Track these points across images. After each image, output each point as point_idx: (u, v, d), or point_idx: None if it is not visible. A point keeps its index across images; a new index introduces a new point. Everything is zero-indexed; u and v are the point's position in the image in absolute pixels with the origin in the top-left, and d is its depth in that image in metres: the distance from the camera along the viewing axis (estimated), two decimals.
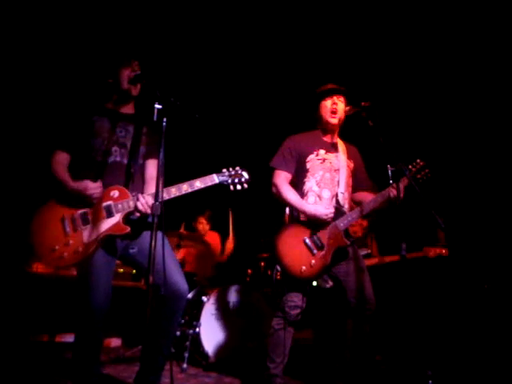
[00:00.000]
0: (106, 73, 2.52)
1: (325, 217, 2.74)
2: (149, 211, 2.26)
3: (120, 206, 2.29)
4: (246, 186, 2.43)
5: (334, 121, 2.91)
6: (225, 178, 2.39)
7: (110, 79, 2.51)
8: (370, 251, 4.14)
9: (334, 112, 2.88)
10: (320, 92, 2.94)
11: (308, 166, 2.89)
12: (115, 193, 2.32)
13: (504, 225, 4.33)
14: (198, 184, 2.35)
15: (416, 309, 3.50)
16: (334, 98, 2.90)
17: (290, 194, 2.84)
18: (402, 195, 2.61)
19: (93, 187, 2.26)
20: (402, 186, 2.63)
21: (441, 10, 4.20)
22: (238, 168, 2.43)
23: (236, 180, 2.41)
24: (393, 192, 2.68)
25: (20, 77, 4.40)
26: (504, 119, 4.45)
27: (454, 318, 4.03)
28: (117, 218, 2.29)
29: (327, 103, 2.91)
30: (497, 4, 4.02)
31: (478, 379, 3.25)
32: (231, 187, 2.41)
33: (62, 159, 2.41)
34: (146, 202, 2.26)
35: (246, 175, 2.42)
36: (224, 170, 2.42)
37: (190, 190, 2.33)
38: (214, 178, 2.38)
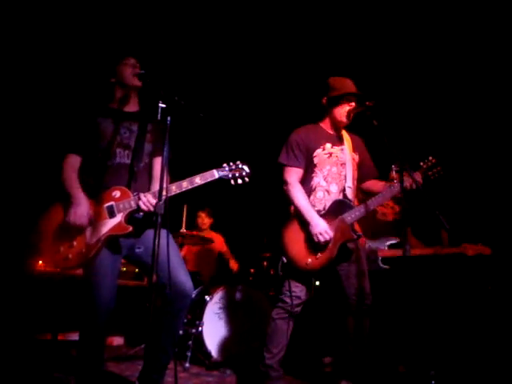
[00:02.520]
0: (107, 72, 2.52)
1: (317, 236, 2.68)
2: (152, 209, 2.25)
3: (121, 205, 2.29)
4: (247, 179, 2.42)
5: (347, 122, 2.90)
6: (225, 173, 2.39)
7: (111, 78, 2.51)
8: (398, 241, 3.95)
9: (348, 112, 2.86)
10: (342, 95, 2.86)
11: (315, 160, 2.86)
12: (117, 193, 2.32)
13: (508, 225, 4.31)
14: (198, 180, 2.34)
15: (419, 308, 3.50)
16: (352, 102, 2.87)
17: (300, 198, 2.80)
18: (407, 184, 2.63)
19: (80, 213, 2.25)
20: (407, 183, 2.64)
21: (446, 9, 4.18)
22: (238, 162, 2.42)
23: (237, 174, 2.40)
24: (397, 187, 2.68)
25: (24, 80, 4.42)
26: (509, 117, 4.42)
27: (457, 318, 4.02)
28: (119, 217, 2.29)
29: (344, 106, 2.86)
30: (497, 3, 4.00)
31: (481, 379, 3.24)
32: (232, 182, 2.40)
33: (74, 163, 2.42)
34: (147, 200, 2.26)
35: (246, 169, 2.41)
36: (224, 165, 2.41)
37: (190, 187, 2.33)
38: (214, 174, 2.37)
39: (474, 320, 3.77)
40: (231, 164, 2.41)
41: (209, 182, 2.40)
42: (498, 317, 3.68)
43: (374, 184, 3.01)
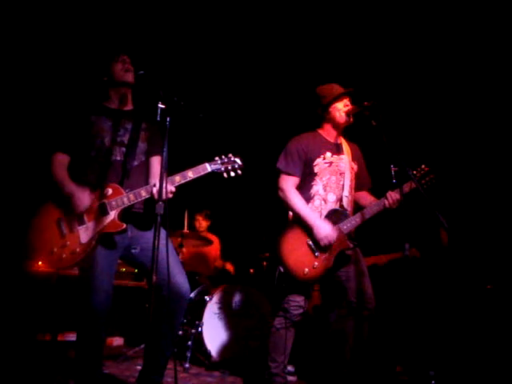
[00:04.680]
0: (100, 71, 2.51)
1: (323, 240, 2.70)
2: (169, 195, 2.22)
3: (114, 203, 2.28)
4: (239, 172, 2.38)
5: (348, 120, 2.90)
6: (217, 166, 2.35)
7: (104, 77, 2.50)
8: None
9: (347, 112, 2.87)
10: (335, 97, 2.89)
11: (316, 169, 2.86)
12: (108, 190, 2.30)
13: (507, 224, 4.31)
14: (191, 174, 2.31)
15: (418, 309, 3.50)
16: (345, 100, 2.90)
17: (298, 203, 2.81)
18: (401, 199, 2.64)
19: (82, 198, 2.25)
20: (404, 190, 2.65)
21: (445, 9, 4.19)
22: (230, 155, 2.38)
23: (229, 167, 2.36)
24: (388, 201, 2.72)
25: (18, 79, 4.41)
26: (508, 118, 4.43)
27: (456, 318, 4.02)
28: (112, 215, 2.27)
29: (339, 105, 2.89)
30: (497, 4, 4.01)
31: (480, 379, 3.24)
32: (225, 175, 2.36)
33: (62, 161, 2.41)
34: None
35: (238, 161, 2.37)
36: (216, 158, 2.37)
37: (183, 181, 2.30)
38: (207, 167, 2.34)
39: (474, 320, 3.77)
40: (223, 157, 2.37)
41: (207, 182, 2.39)
42: (497, 316, 3.69)
43: (364, 197, 3.02)
